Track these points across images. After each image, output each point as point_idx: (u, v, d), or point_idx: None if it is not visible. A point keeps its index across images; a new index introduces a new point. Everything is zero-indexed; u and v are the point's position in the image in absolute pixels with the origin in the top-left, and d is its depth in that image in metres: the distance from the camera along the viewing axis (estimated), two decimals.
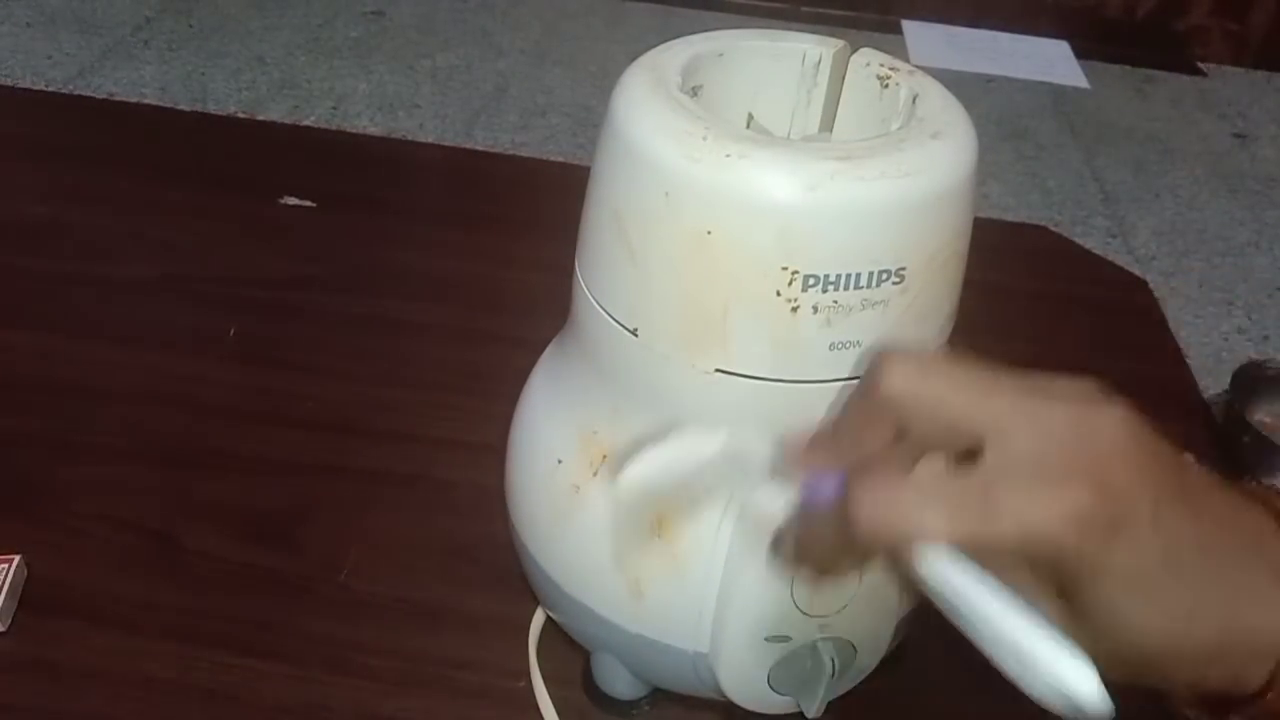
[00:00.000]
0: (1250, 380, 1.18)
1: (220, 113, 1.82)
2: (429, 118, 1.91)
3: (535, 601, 0.50)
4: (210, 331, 0.68)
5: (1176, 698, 0.30)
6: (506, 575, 0.50)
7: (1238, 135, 2.13)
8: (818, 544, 0.30)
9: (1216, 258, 1.74)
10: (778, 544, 0.32)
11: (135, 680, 0.48)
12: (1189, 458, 0.28)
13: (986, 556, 0.26)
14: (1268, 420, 1.17)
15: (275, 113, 1.87)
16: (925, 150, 0.35)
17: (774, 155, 0.34)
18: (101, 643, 0.49)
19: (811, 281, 0.34)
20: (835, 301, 0.34)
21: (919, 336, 0.37)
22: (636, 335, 0.38)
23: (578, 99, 2.00)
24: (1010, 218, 1.70)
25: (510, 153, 1.78)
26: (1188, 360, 0.78)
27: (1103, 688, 0.25)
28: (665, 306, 0.37)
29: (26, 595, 0.51)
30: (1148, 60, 2.36)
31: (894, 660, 0.45)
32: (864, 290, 0.34)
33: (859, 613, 0.41)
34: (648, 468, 0.34)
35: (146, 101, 1.84)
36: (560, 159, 1.73)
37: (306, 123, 1.84)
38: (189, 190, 0.82)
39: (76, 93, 1.85)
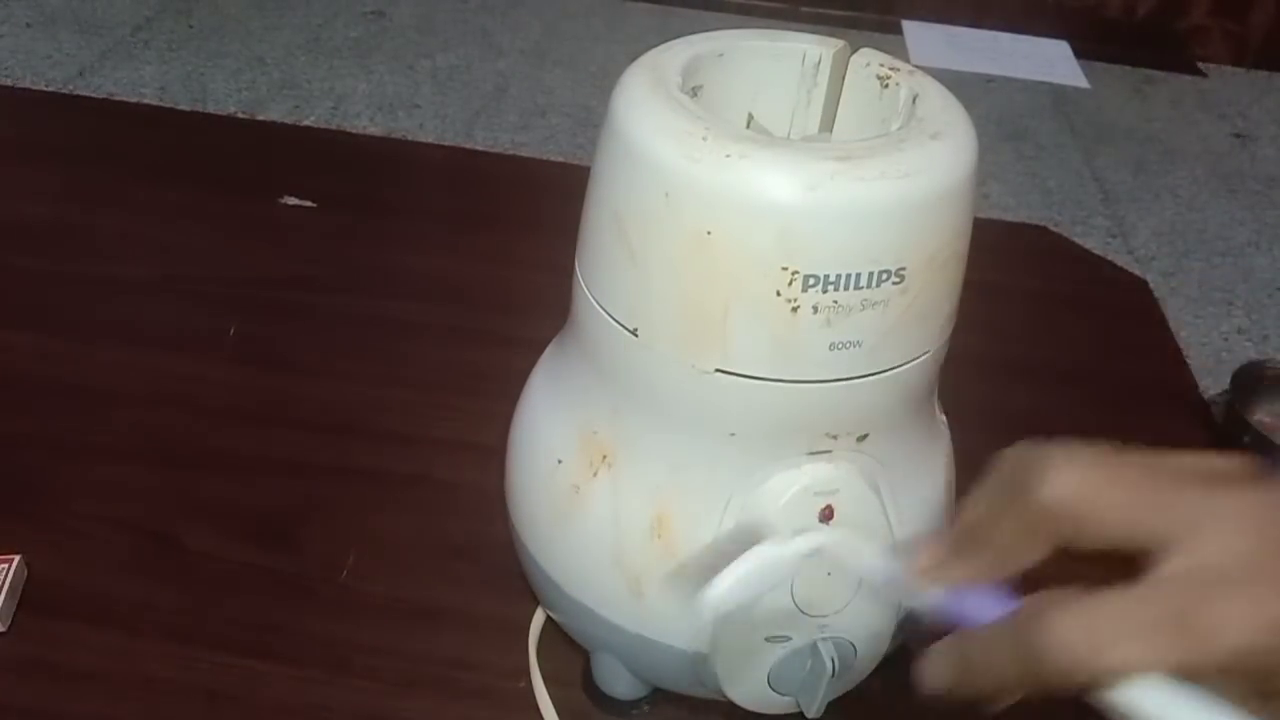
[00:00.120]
0: (1250, 380, 1.18)
1: (220, 113, 1.82)
2: (429, 118, 1.91)
3: (535, 601, 0.50)
4: (210, 331, 0.68)
5: None
6: (506, 575, 0.50)
7: (1238, 135, 2.13)
8: (986, 669, 0.27)
9: (1216, 258, 1.74)
10: (930, 664, 0.29)
11: (135, 680, 0.48)
12: None
13: (1197, 680, 0.24)
14: (1268, 420, 1.17)
15: (275, 113, 1.87)
16: (925, 150, 0.35)
17: (774, 155, 0.34)
18: (101, 643, 0.49)
19: (811, 281, 0.34)
20: (835, 301, 0.34)
21: (919, 336, 0.37)
22: (636, 335, 0.38)
23: (578, 99, 2.00)
24: (1010, 218, 1.70)
25: (510, 153, 1.78)
26: (1188, 360, 0.78)
27: None
28: (665, 306, 0.37)
29: (26, 595, 0.51)
30: (1148, 60, 2.36)
31: (894, 660, 0.45)
32: (864, 290, 0.34)
33: (859, 613, 0.41)
34: (737, 574, 0.31)
35: (146, 101, 1.83)
36: (560, 159, 1.73)
37: (306, 123, 1.84)
38: (189, 190, 0.82)
39: (76, 93, 1.85)
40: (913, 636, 0.29)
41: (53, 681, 0.48)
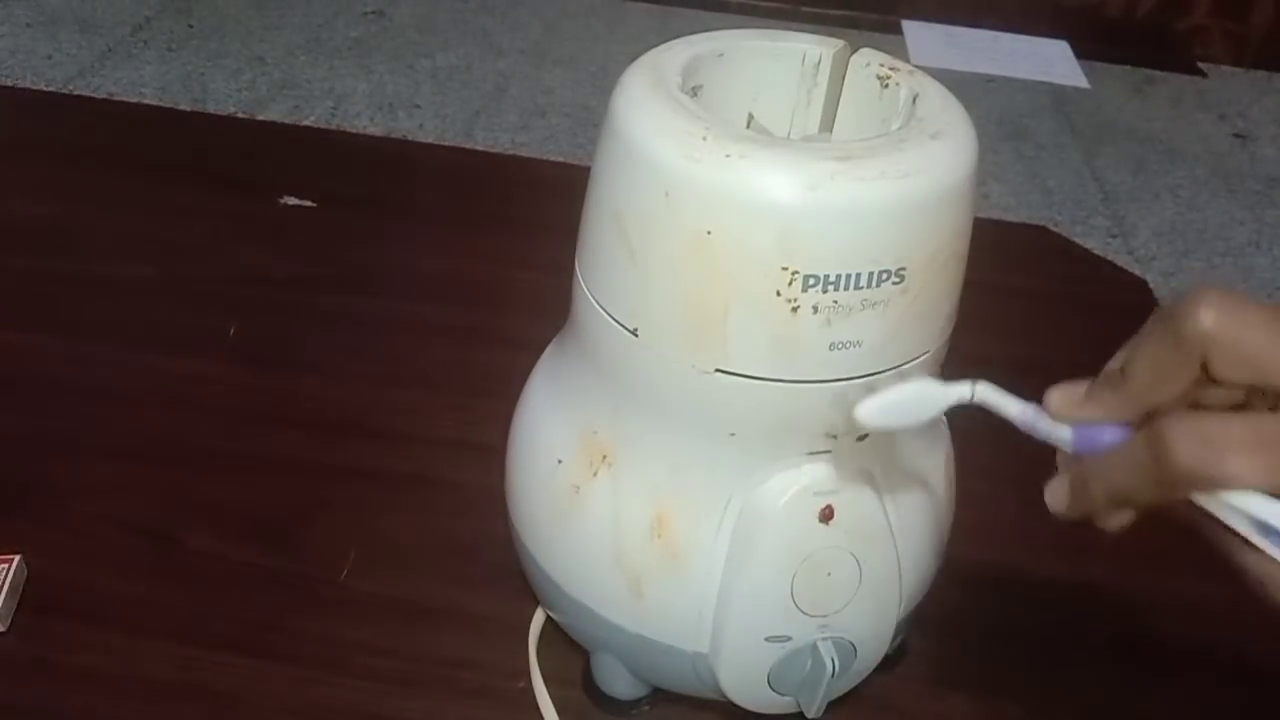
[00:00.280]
0: None
1: (220, 113, 1.82)
2: (429, 118, 1.90)
3: (535, 601, 0.50)
4: (210, 331, 0.68)
5: None
6: (506, 575, 0.50)
7: (1238, 135, 2.13)
8: (1105, 488, 0.30)
9: (1216, 258, 1.74)
10: (1051, 490, 0.31)
11: (135, 680, 0.48)
12: None
13: None
14: None
15: (275, 113, 1.87)
16: (925, 150, 0.35)
17: (774, 155, 0.34)
18: (101, 643, 0.49)
19: (811, 281, 0.34)
20: (835, 301, 0.34)
21: (919, 336, 0.37)
22: (636, 335, 0.38)
23: (578, 99, 2.00)
24: (1010, 218, 1.70)
25: (510, 153, 1.78)
26: None
27: None
28: (665, 306, 0.37)
29: (26, 595, 0.51)
30: (1148, 60, 2.36)
31: (894, 660, 0.45)
32: (864, 290, 0.34)
33: (859, 613, 0.41)
34: (892, 398, 0.34)
35: (146, 101, 1.83)
36: (560, 159, 1.73)
37: (306, 123, 1.84)
38: (189, 190, 0.82)
39: (76, 93, 1.84)
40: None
41: (53, 681, 0.48)
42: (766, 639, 0.40)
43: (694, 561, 0.40)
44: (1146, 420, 0.29)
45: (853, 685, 0.44)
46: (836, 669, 0.40)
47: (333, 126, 1.84)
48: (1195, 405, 0.29)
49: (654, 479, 0.40)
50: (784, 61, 0.42)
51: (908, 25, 2.41)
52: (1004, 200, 1.82)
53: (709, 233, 0.34)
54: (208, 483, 0.58)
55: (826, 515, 0.38)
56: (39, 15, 2.10)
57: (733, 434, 0.38)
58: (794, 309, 0.34)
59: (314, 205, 0.81)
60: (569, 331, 0.43)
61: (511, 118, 1.93)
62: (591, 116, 1.93)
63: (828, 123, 0.43)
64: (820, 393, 0.36)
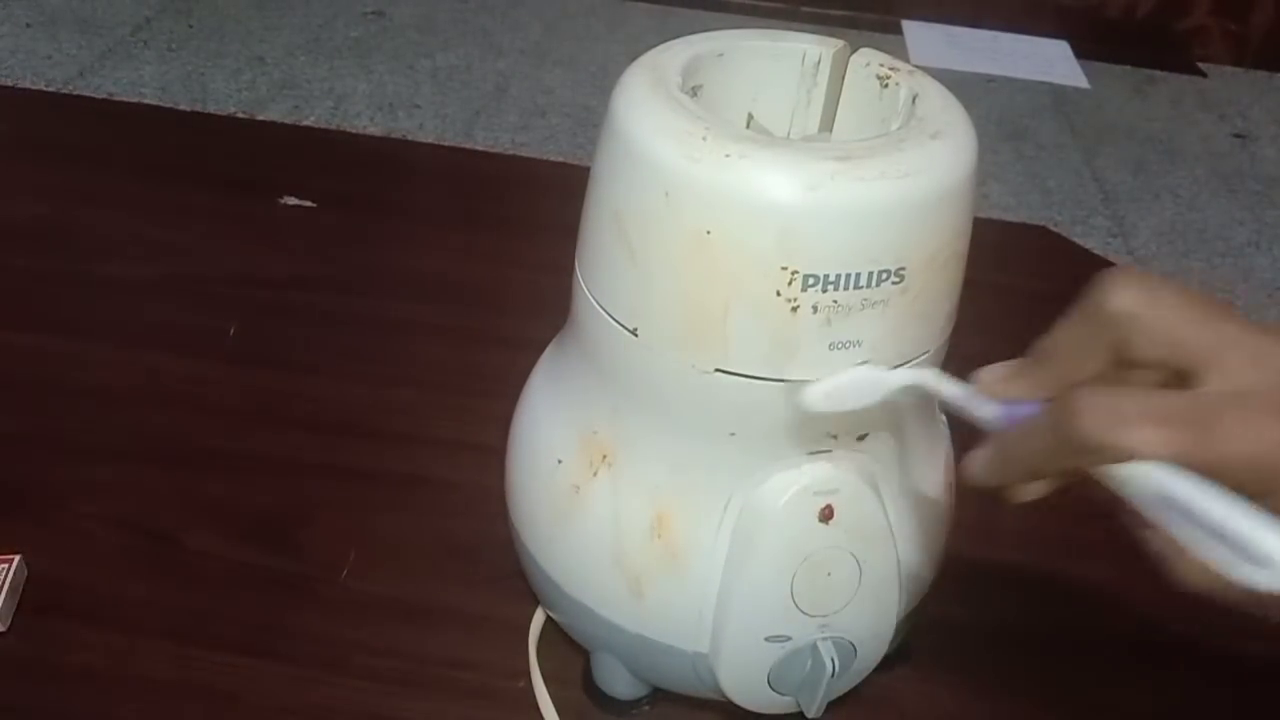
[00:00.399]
0: None
1: (220, 113, 1.82)
2: (429, 118, 1.91)
3: (535, 601, 0.50)
4: (210, 331, 0.68)
5: None
6: (506, 575, 0.50)
7: (1238, 135, 2.13)
8: (1018, 459, 0.30)
9: (1216, 258, 1.74)
10: (968, 462, 0.32)
11: (135, 680, 0.48)
12: None
13: (1200, 471, 0.27)
14: None
15: (275, 113, 1.87)
16: (925, 150, 0.35)
17: (774, 155, 0.34)
18: (101, 643, 0.49)
19: (811, 281, 0.34)
20: (835, 301, 0.34)
21: (919, 336, 0.37)
22: (636, 335, 0.38)
23: (578, 99, 2.00)
24: (1010, 218, 1.70)
25: (510, 153, 1.78)
26: None
27: None
28: (665, 306, 0.37)
29: (26, 595, 0.51)
30: (1148, 60, 2.36)
31: (894, 660, 0.45)
32: (864, 290, 0.34)
33: (859, 613, 0.41)
34: (836, 383, 0.35)
35: (146, 101, 1.84)
36: (560, 159, 1.73)
37: (306, 123, 1.84)
38: (189, 190, 0.82)
39: (76, 93, 1.85)
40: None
41: (53, 681, 0.48)
42: (766, 639, 0.40)
43: (694, 561, 0.40)
44: None
45: (853, 685, 0.44)
46: (836, 669, 0.40)
47: (333, 126, 1.84)
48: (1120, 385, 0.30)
49: (654, 479, 0.40)
50: (784, 61, 0.42)
51: (908, 25, 2.41)
52: (1004, 200, 1.82)
53: (709, 233, 0.34)
54: (208, 483, 0.58)
55: (826, 515, 0.38)
56: (39, 15, 2.10)
57: (733, 434, 0.38)
58: (794, 309, 0.34)
59: (314, 205, 0.81)
60: (569, 331, 0.43)
61: (511, 118, 1.93)
62: (591, 116, 1.93)
63: (828, 123, 0.43)
64: None
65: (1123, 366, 0.29)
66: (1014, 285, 0.76)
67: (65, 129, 0.92)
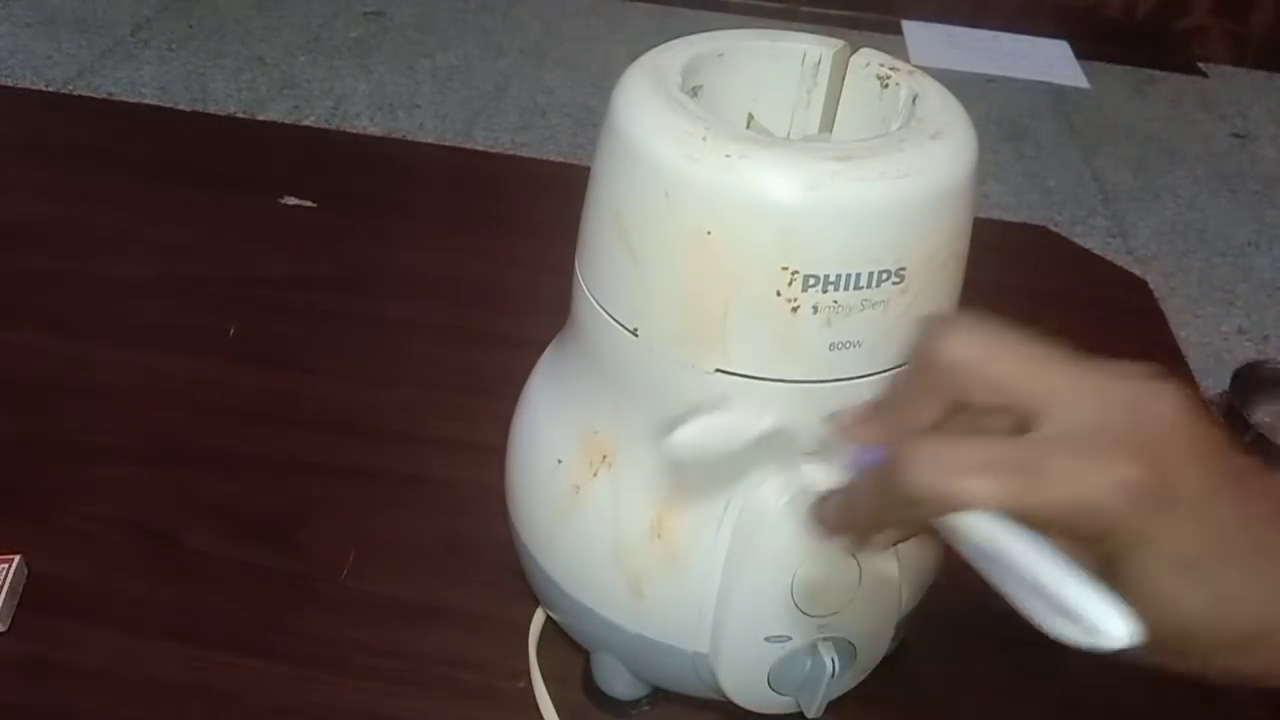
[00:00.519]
0: (1250, 380, 1.18)
1: (220, 113, 1.82)
2: (429, 118, 1.91)
3: (535, 601, 0.50)
4: (210, 331, 0.68)
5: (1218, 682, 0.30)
6: (506, 575, 0.50)
7: (1238, 135, 2.13)
8: (859, 509, 0.30)
9: (1216, 258, 1.74)
10: (816, 510, 0.32)
11: (135, 680, 0.48)
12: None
13: (1031, 526, 0.26)
14: (1268, 420, 1.17)
15: (275, 113, 1.87)
16: (925, 150, 0.35)
17: (774, 155, 0.34)
18: (101, 643, 0.49)
19: (811, 281, 0.34)
20: (835, 301, 0.34)
21: None
22: (636, 335, 0.38)
23: (578, 99, 2.00)
24: (1010, 218, 1.70)
25: (510, 153, 1.78)
26: (1188, 360, 0.78)
27: (1130, 617, 0.24)
28: (665, 306, 0.37)
29: (26, 595, 0.51)
30: (1148, 60, 2.36)
31: (894, 660, 0.45)
32: (864, 290, 0.34)
33: (859, 613, 0.41)
34: (700, 432, 0.34)
35: (146, 101, 1.83)
36: (560, 159, 1.73)
37: (306, 123, 1.84)
38: (189, 190, 0.82)
39: (76, 93, 1.85)
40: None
41: (53, 681, 0.48)
42: (766, 639, 0.40)
43: (694, 561, 0.40)
44: None
45: (853, 685, 0.44)
46: (836, 669, 0.40)
47: (333, 126, 1.84)
48: (973, 430, 0.29)
49: (654, 479, 0.40)
50: (784, 61, 0.42)
51: (908, 25, 2.41)
52: (1004, 200, 1.82)
53: (709, 233, 0.34)
54: (208, 483, 0.58)
55: None
56: (39, 15, 2.10)
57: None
58: (794, 309, 0.34)
59: (314, 205, 0.81)
60: (569, 331, 0.43)
61: (511, 118, 1.93)
62: (591, 116, 1.93)
63: (828, 123, 0.43)
64: (820, 393, 0.36)
65: (967, 413, 0.29)
66: (1014, 285, 0.76)
67: (65, 129, 0.92)
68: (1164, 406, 0.27)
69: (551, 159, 1.71)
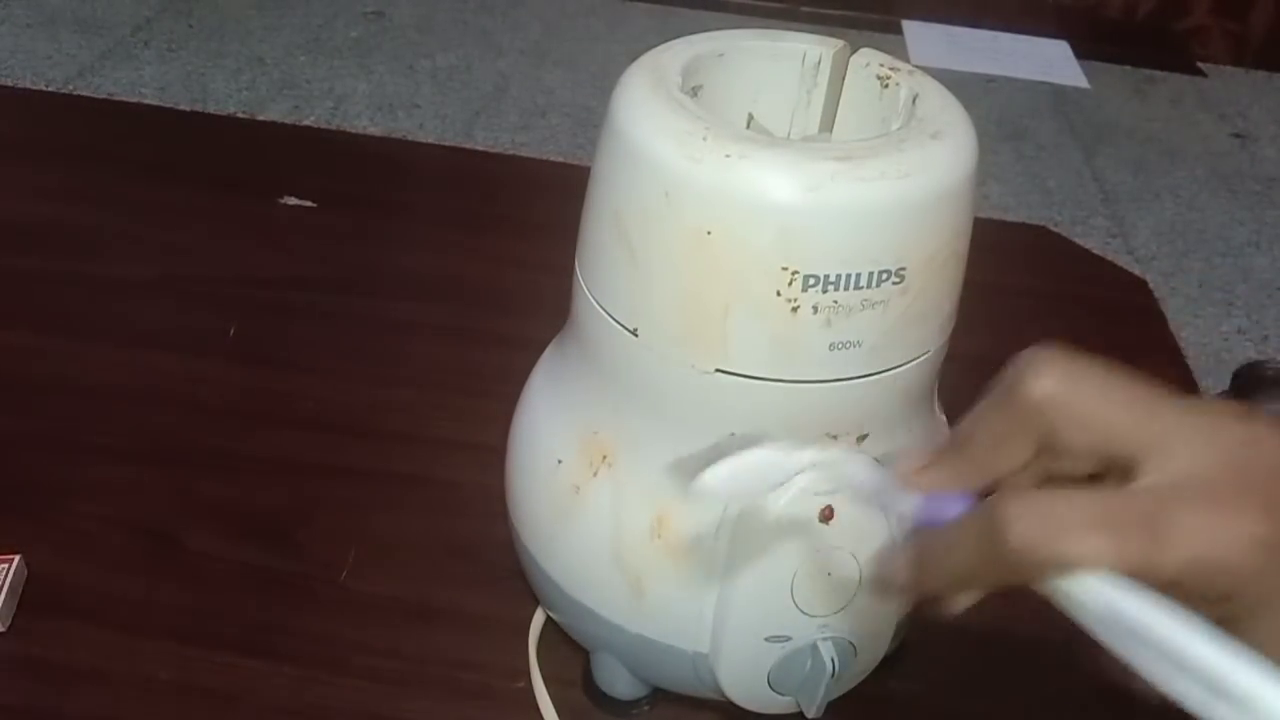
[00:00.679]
0: (1250, 380, 1.18)
1: (220, 113, 1.82)
2: (429, 118, 1.91)
3: (535, 601, 0.50)
4: (210, 331, 0.68)
5: None
6: (506, 575, 0.50)
7: (1238, 135, 2.13)
8: (946, 566, 0.27)
9: (1216, 258, 1.74)
10: (887, 565, 0.29)
11: (135, 680, 0.48)
12: None
13: (1151, 586, 0.24)
14: None
15: (275, 113, 1.87)
16: (925, 150, 0.35)
17: (774, 155, 0.34)
18: (101, 643, 0.49)
19: (811, 281, 0.34)
20: (835, 301, 0.34)
21: (919, 336, 0.37)
22: (636, 335, 0.38)
23: (578, 99, 2.00)
24: (1010, 218, 1.70)
25: (510, 153, 1.78)
26: (1187, 360, 0.78)
27: None
28: (665, 306, 0.37)
29: (26, 595, 0.51)
30: (1148, 60, 2.36)
31: (894, 660, 0.45)
32: (864, 290, 0.34)
33: (859, 613, 0.41)
34: (734, 466, 0.31)
35: (146, 101, 1.83)
36: (560, 159, 1.73)
37: (306, 123, 1.84)
38: (189, 190, 0.82)
39: (76, 93, 1.85)
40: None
41: (53, 681, 0.48)
42: (766, 639, 0.40)
43: (694, 561, 0.40)
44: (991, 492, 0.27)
45: (853, 685, 0.44)
46: (836, 669, 0.40)
47: (333, 126, 1.84)
48: (1049, 476, 0.27)
49: (654, 479, 0.40)
50: (784, 61, 0.42)
51: (908, 25, 2.41)
52: (1004, 200, 1.82)
53: (709, 233, 0.34)
54: (208, 483, 0.58)
55: (826, 515, 0.38)
56: (39, 15, 2.10)
57: (733, 434, 0.38)
58: (794, 309, 0.34)
59: (314, 205, 0.81)
60: (569, 331, 0.43)
61: (511, 118, 1.93)
62: (591, 116, 1.93)
63: (828, 123, 0.43)
64: (820, 393, 0.36)
65: (1050, 454, 0.27)
66: (1014, 285, 0.76)
67: (65, 129, 0.92)
68: (1277, 448, 0.25)
69: (551, 159, 1.71)
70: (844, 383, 0.36)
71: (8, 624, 0.49)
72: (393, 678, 0.49)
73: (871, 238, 0.34)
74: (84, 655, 0.49)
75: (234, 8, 2.22)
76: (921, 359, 0.38)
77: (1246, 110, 2.23)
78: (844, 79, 0.42)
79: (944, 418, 0.45)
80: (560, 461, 0.43)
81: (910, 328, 0.36)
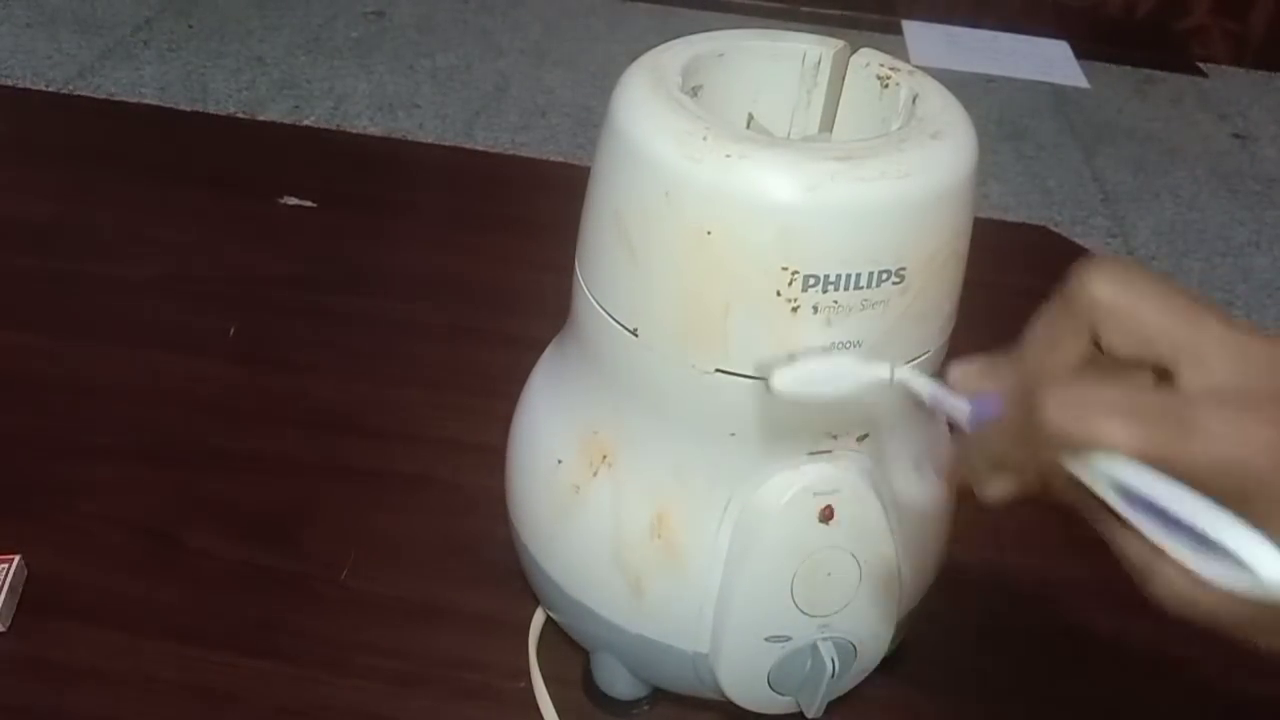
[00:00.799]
0: None
1: (220, 113, 1.82)
2: (429, 118, 1.91)
3: (535, 601, 0.50)
4: (210, 331, 0.68)
5: None
6: (506, 575, 0.50)
7: (1238, 135, 2.13)
8: (986, 450, 0.29)
9: (1216, 257, 1.74)
10: (948, 461, 0.31)
11: (135, 680, 0.48)
12: None
13: (1173, 473, 0.25)
14: None
15: (275, 113, 1.87)
16: (925, 150, 0.35)
17: (774, 155, 0.34)
18: (101, 643, 0.49)
19: (811, 281, 0.34)
20: (835, 301, 0.34)
21: (919, 336, 0.37)
22: (636, 335, 0.38)
23: (578, 99, 2.00)
24: (1010, 218, 1.70)
25: (510, 153, 1.78)
26: None
27: None
28: (665, 306, 0.37)
29: (26, 595, 0.51)
30: (1148, 60, 2.36)
31: (894, 660, 0.45)
32: (864, 290, 0.34)
33: (859, 613, 0.41)
34: (809, 368, 0.34)
35: (146, 101, 1.83)
36: (560, 159, 1.73)
37: (306, 123, 1.84)
38: (189, 190, 0.82)
39: (76, 93, 1.85)
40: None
41: (53, 681, 0.48)
42: (766, 639, 0.40)
43: (694, 561, 0.40)
44: None
45: (853, 685, 0.44)
46: (836, 669, 0.40)
47: (333, 126, 1.84)
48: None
49: (654, 479, 0.40)
50: (784, 61, 0.42)
51: (908, 25, 2.41)
52: (1004, 200, 1.82)
53: (709, 232, 0.34)
54: (208, 483, 0.58)
55: (826, 515, 0.38)
56: (39, 15, 2.10)
57: (733, 434, 0.38)
58: (794, 309, 0.34)
59: (314, 205, 0.81)
60: (569, 331, 0.43)
61: (511, 118, 1.93)
62: (591, 116, 1.93)
63: (828, 123, 0.43)
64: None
65: (1104, 364, 0.28)
66: (1014, 285, 0.76)
67: (65, 129, 0.92)
68: None
69: (551, 159, 1.71)
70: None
71: (8, 624, 0.49)
72: (393, 678, 0.49)
73: (871, 237, 0.34)
74: (84, 655, 0.49)
75: (234, 8, 2.21)
76: (921, 359, 0.38)
77: (1246, 110, 2.23)
78: (844, 79, 0.42)
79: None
80: (560, 461, 0.43)
81: (910, 328, 0.36)
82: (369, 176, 0.87)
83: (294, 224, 0.80)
